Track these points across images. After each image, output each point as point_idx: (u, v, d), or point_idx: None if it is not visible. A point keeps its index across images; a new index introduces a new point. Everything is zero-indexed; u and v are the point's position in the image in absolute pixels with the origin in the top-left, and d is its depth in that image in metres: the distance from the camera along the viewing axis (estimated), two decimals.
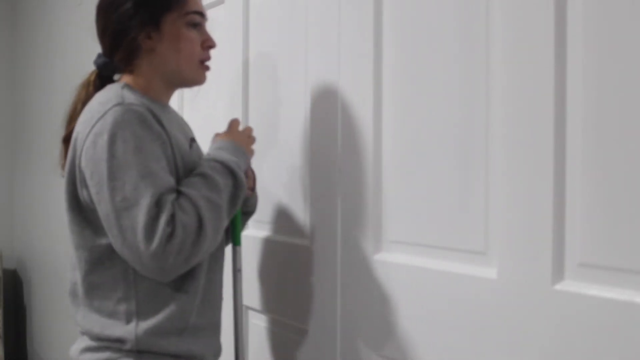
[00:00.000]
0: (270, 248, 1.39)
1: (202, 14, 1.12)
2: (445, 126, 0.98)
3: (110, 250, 1.02)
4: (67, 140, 1.12)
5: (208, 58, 1.14)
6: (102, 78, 1.14)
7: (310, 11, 1.27)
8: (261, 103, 1.45)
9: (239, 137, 1.15)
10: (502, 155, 0.88)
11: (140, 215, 0.92)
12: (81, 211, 1.04)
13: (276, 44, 1.38)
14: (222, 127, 1.34)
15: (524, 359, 0.85)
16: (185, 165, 1.06)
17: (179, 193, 0.99)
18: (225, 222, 1.03)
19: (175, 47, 1.09)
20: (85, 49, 2.55)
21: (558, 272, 0.81)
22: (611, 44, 0.76)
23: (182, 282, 1.05)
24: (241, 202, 1.08)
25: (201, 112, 1.65)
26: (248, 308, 1.47)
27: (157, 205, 0.94)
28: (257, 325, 1.44)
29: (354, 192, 1.15)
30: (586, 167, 0.79)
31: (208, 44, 1.13)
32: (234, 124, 1.19)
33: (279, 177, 1.37)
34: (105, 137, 0.96)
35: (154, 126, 1.00)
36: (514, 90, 0.86)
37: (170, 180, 0.99)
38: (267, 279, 1.40)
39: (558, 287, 0.81)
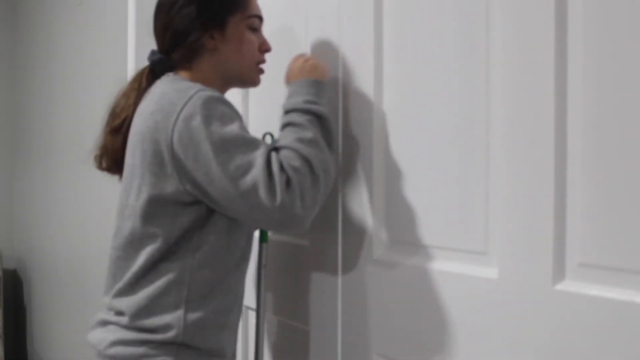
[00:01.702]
0: (270, 248, 1.39)
1: (261, 18, 1.17)
2: (445, 126, 0.98)
3: (183, 239, 1.03)
4: (115, 131, 1.13)
5: (264, 61, 1.18)
6: (153, 74, 1.14)
7: (310, 13, 1.27)
8: (260, 103, 1.45)
9: (304, 70, 1.12)
10: (502, 155, 0.88)
11: (258, 176, 0.95)
12: (164, 202, 1.02)
13: (275, 44, 1.38)
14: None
15: (524, 359, 0.85)
16: None
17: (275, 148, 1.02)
18: (328, 153, 1.05)
19: (238, 49, 1.13)
20: (85, 49, 2.55)
21: (559, 272, 0.82)
22: (611, 44, 0.76)
23: (230, 278, 1.08)
24: (334, 131, 1.08)
25: None
26: (248, 308, 1.47)
27: (267, 163, 0.97)
28: None
29: (354, 191, 1.15)
30: (587, 167, 0.79)
31: (265, 47, 1.18)
32: (294, 61, 1.16)
33: None
34: (198, 119, 0.97)
35: (234, 109, 1.04)
36: (514, 90, 0.86)
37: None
38: (267, 280, 1.40)
39: (559, 287, 0.81)
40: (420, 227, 1.03)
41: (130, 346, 1.03)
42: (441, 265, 0.98)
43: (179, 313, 1.03)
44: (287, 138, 1.03)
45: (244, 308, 1.47)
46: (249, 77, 1.17)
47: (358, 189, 1.14)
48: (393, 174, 1.09)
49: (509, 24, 0.87)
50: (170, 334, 1.02)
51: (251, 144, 0.99)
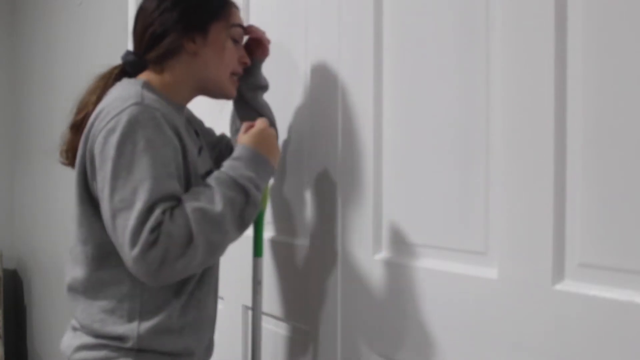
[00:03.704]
0: (270, 248, 1.39)
1: (244, 29, 1.16)
2: (445, 126, 0.98)
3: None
4: (75, 128, 1.12)
5: (241, 74, 1.17)
6: (123, 74, 1.13)
7: (310, 13, 1.27)
8: None
9: (264, 142, 1.07)
10: (502, 156, 0.88)
11: (131, 219, 0.92)
12: (92, 204, 1.03)
13: (275, 43, 1.38)
14: (221, 122, 1.34)
15: (524, 359, 0.85)
16: (196, 173, 1.05)
17: (179, 201, 0.96)
18: (230, 236, 0.99)
19: (219, 56, 1.11)
20: (85, 48, 2.55)
21: (558, 272, 0.82)
22: (611, 44, 0.76)
23: (183, 284, 1.06)
24: (254, 218, 1.03)
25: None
26: (248, 308, 1.47)
27: (148, 212, 0.92)
28: None
29: (354, 192, 1.15)
30: (586, 167, 0.79)
31: (244, 60, 1.16)
32: (262, 124, 1.10)
33: (278, 177, 1.37)
34: (116, 135, 0.96)
35: (167, 131, 0.99)
36: (514, 90, 0.86)
37: (173, 187, 0.96)
38: (266, 280, 1.40)
39: (558, 287, 0.81)
40: (420, 227, 1.03)
41: (93, 350, 1.04)
42: (441, 266, 0.98)
43: (133, 325, 1.03)
44: (198, 199, 0.96)
45: (242, 308, 1.47)
46: (225, 86, 1.13)
47: (358, 189, 1.14)
48: (393, 174, 1.09)
49: (509, 24, 0.87)
50: (127, 344, 1.02)
51: (147, 182, 0.93)
